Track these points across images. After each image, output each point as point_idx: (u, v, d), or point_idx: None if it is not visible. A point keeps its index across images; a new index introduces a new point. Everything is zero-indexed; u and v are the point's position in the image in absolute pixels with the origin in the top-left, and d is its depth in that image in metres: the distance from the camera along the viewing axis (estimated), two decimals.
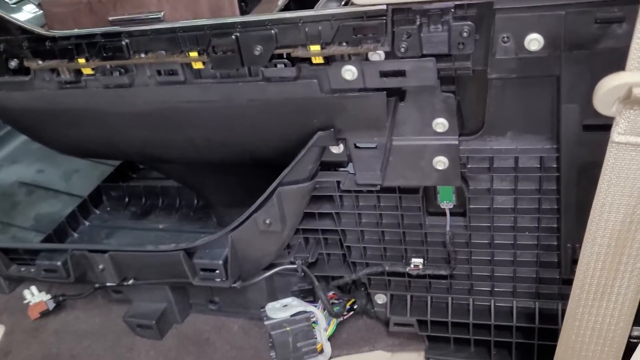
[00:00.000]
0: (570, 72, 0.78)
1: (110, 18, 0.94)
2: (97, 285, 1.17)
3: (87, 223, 1.36)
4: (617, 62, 0.62)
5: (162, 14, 0.91)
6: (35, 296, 1.22)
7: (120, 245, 1.26)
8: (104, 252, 1.08)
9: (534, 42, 0.75)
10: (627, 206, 0.68)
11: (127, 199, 1.42)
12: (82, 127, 1.04)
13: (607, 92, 0.62)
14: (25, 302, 1.22)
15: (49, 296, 1.21)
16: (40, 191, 1.46)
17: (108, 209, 1.41)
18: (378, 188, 0.95)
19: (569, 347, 0.80)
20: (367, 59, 0.83)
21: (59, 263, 1.10)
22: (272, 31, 0.83)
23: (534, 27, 0.74)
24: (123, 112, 0.98)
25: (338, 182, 0.98)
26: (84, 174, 1.52)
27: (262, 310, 1.10)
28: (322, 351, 1.08)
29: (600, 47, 0.73)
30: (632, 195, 0.67)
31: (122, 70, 0.93)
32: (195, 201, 1.37)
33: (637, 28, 0.58)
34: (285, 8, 0.92)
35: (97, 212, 1.39)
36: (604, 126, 0.67)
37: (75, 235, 1.33)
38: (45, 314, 1.20)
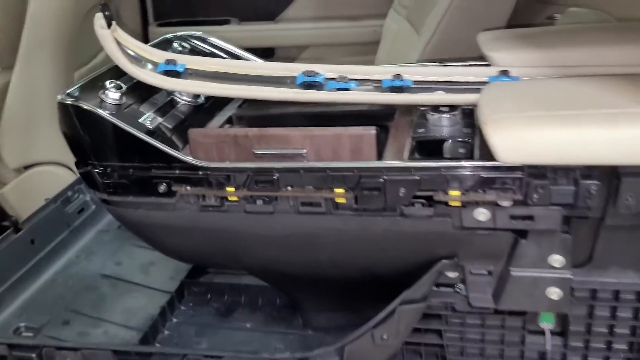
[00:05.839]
0: None
1: (255, 151, 1.05)
2: None
3: (174, 319, 1.42)
4: None
5: (305, 151, 1.03)
6: None
7: (213, 345, 1.33)
8: (220, 357, 1.15)
9: None
10: None
11: (209, 295, 1.48)
12: (213, 243, 1.11)
13: None
14: None
15: None
16: (123, 284, 1.51)
17: (191, 304, 1.46)
18: (491, 311, 1.06)
19: None
20: (497, 203, 0.94)
21: None
22: (416, 177, 0.94)
23: None
24: (260, 235, 1.06)
25: (450, 303, 1.08)
26: (159, 266, 1.57)
27: None
28: None
29: None
30: None
31: (267, 199, 1.02)
32: (278, 300, 1.45)
33: None
34: (411, 152, 1.00)
35: (182, 307, 1.46)
36: None
37: (166, 332, 1.37)
38: None
